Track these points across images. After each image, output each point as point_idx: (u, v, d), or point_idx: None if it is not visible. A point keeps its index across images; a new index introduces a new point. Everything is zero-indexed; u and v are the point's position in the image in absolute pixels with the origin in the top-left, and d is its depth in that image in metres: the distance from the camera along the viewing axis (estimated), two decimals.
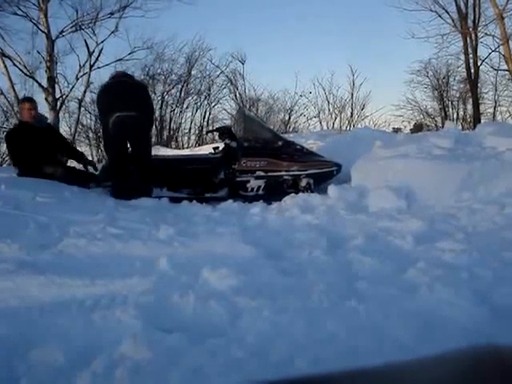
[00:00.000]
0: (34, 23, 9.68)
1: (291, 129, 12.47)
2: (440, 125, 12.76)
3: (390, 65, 21.00)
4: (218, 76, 12.28)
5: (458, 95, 13.47)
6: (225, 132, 4.69)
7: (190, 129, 12.13)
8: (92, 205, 3.38)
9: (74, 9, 9.88)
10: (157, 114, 11.38)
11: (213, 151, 4.73)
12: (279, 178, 4.34)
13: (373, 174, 3.72)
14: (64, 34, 9.97)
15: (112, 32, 10.16)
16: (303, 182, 4.31)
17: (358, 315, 1.50)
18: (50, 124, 5.18)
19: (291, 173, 4.34)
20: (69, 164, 4.66)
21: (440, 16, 11.92)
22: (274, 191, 4.28)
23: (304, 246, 2.35)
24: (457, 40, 12.04)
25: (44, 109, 9.71)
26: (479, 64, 11.88)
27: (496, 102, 13.12)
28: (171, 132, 11.70)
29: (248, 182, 4.36)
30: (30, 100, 4.55)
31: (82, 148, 8.00)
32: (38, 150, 4.12)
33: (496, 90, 13.01)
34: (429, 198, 3.23)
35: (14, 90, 9.55)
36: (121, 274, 1.91)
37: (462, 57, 12.07)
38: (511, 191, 2.96)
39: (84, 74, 10.15)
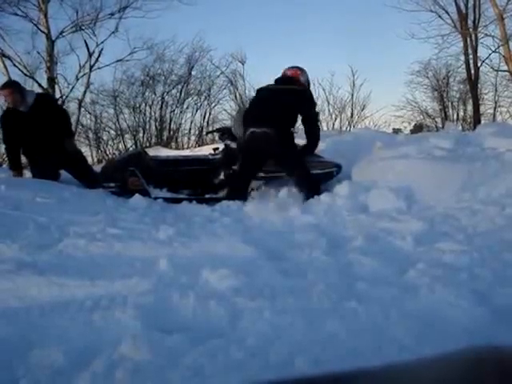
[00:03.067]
0: (34, 24, 9.71)
1: None
2: (440, 125, 12.74)
3: (390, 65, 20.98)
4: (219, 76, 12.27)
5: (458, 96, 13.44)
6: (225, 133, 4.68)
7: (189, 129, 12.11)
8: (92, 205, 3.38)
9: (74, 9, 9.92)
10: (157, 114, 11.39)
11: (213, 152, 4.73)
12: (279, 178, 4.33)
13: (373, 175, 3.71)
14: (64, 34, 9.99)
15: (112, 32, 10.20)
16: None
17: (358, 316, 1.50)
18: (37, 99, 4.26)
19: None
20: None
21: (440, 17, 11.93)
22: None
23: (304, 247, 2.34)
24: (457, 41, 12.05)
25: None
26: (479, 65, 11.88)
27: (496, 103, 13.09)
28: (171, 132, 11.68)
29: None
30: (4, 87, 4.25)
31: (82, 148, 7.94)
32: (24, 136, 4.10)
33: (496, 91, 12.98)
34: (429, 198, 3.22)
35: None
36: (120, 274, 1.91)
37: (462, 57, 12.07)
38: (511, 192, 2.95)
39: (84, 75, 10.17)
